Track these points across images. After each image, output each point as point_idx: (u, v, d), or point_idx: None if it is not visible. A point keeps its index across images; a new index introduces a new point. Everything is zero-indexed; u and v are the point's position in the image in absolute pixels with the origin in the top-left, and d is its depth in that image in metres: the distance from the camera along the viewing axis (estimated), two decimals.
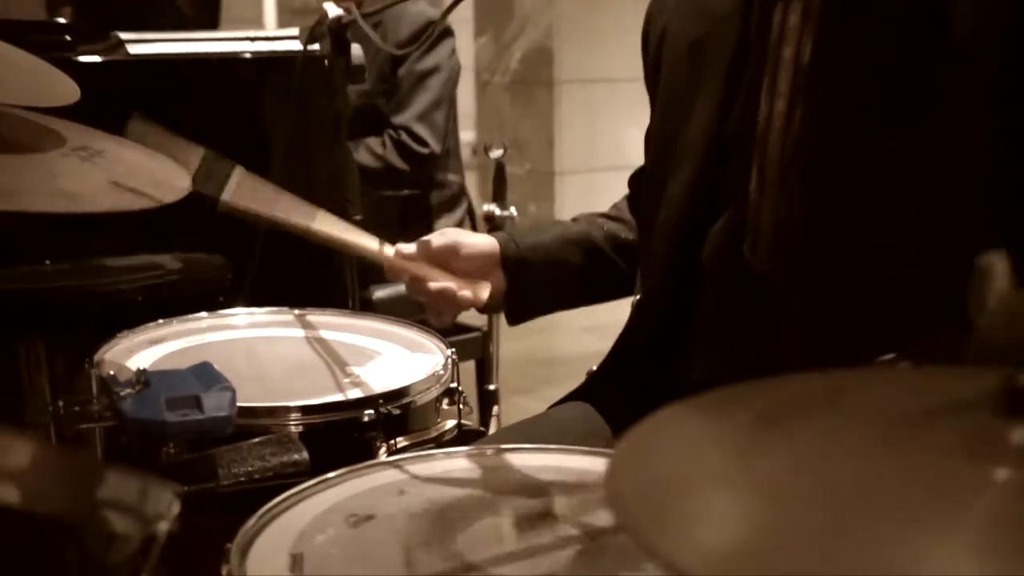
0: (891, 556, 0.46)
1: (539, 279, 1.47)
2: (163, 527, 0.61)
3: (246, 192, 1.33)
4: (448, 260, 1.40)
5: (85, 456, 0.68)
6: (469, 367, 2.84)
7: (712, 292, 1.31)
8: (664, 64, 1.42)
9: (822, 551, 0.48)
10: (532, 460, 1.08)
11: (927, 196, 1.14)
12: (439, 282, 1.37)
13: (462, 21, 7.02)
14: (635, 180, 1.56)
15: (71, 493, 0.59)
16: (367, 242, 1.42)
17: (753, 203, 1.25)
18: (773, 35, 1.25)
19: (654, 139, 1.45)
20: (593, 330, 3.28)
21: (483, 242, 1.45)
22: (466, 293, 1.37)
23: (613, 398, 1.41)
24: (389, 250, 1.40)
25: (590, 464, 1.07)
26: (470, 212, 3.15)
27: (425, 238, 1.41)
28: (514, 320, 1.54)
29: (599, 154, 5.74)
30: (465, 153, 3.53)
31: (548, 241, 1.50)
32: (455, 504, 0.96)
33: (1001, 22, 1.10)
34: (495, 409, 2.27)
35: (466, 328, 2.85)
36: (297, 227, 1.38)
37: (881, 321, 1.16)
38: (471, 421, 1.53)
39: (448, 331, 1.72)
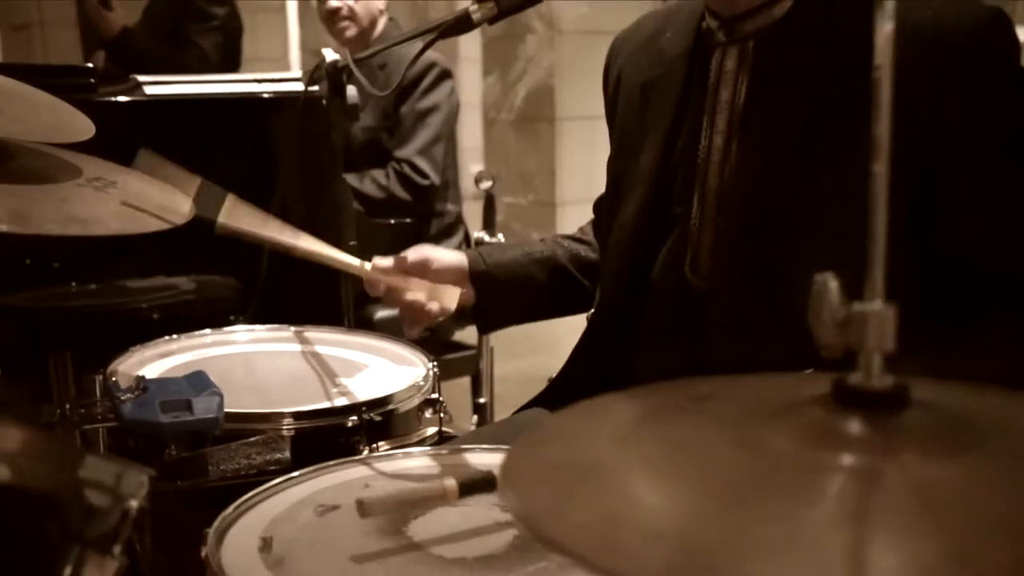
0: (759, 526, 0.51)
1: (505, 293, 1.50)
2: (134, 504, 0.66)
3: (238, 214, 1.37)
4: (421, 273, 1.42)
5: (67, 441, 0.72)
6: (465, 383, 2.89)
7: (658, 307, 1.35)
8: (620, 102, 1.47)
9: (695, 522, 0.53)
10: (484, 457, 1.13)
11: (845, 226, 1.18)
12: (411, 293, 1.40)
13: (471, 62, 7.09)
14: (598, 206, 1.60)
15: (55, 473, 0.64)
16: (347, 258, 1.44)
17: (694, 228, 1.30)
18: (712, 78, 1.31)
19: (611, 169, 1.50)
20: None
21: (453, 258, 1.48)
22: (434, 305, 1.39)
23: (570, 403, 1.45)
24: (367, 266, 1.42)
25: None
26: (467, 239, 3.17)
27: (401, 254, 1.44)
28: (483, 329, 1.58)
29: (597, 185, 5.73)
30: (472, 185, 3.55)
31: (514, 258, 1.53)
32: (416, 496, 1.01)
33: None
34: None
35: (461, 347, 2.89)
36: (283, 245, 1.41)
37: (801, 334, 1.20)
38: (452, 429, 1.56)
39: (443, 349, 1.78)
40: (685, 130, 1.33)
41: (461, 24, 1.20)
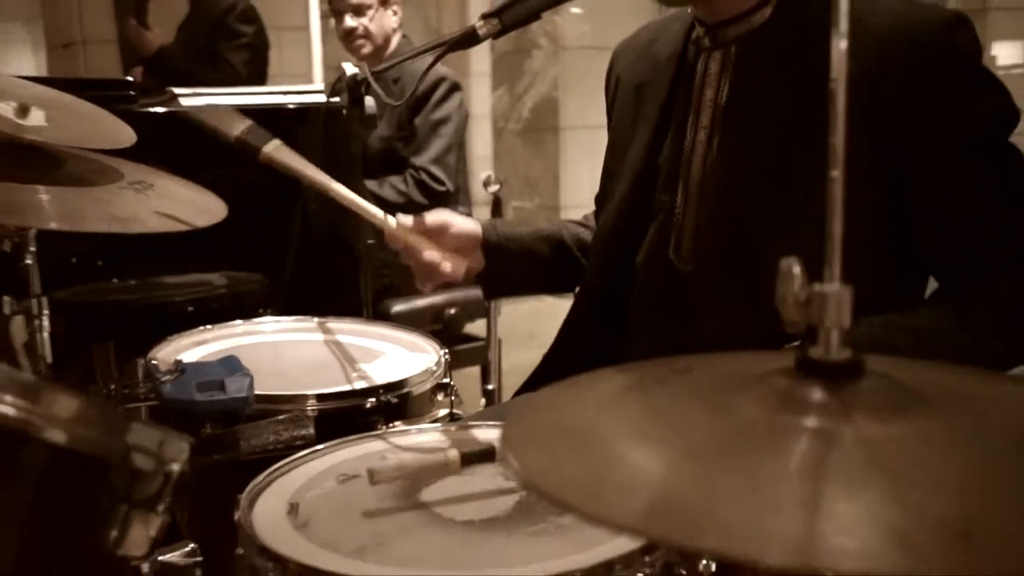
0: (727, 479, 0.54)
1: (512, 263, 1.51)
2: (176, 467, 0.70)
3: (282, 153, 1.38)
4: (438, 235, 1.42)
5: (115, 410, 0.75)
6: (475, 371, 2.91)
7: (644, 288, 1.38)
8: (616, 104, 1.51)
9: (671, 476, 0.56)
10: (488, 432, 1.15)
11: (815, 213, 1.19)
12: (427, 252, 1.39)
13: (481, 76, 7.11)
14: (600, 199, 1.62)
15: (105, 438, 0.67)
16: (373, 209, 1.44)
17: (678, 215, 1.33)
18: (697, 80, 1.34)
19: (606, 164, 1.52)
20: None
21: (469, 225, 1.48)
22: (447, 265, 1.39)
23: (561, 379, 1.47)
24: (391, 220, 1.41)
25: None
26: None
27: (421, 215, 1.43)
28: (488, 295, 1.58)
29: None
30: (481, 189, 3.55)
31: (523, 233, 1.55)
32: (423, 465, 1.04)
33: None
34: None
35: (471, 339, 2.92)
36: (319, 183, 1.40)
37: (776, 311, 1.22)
38: (462, 411, 1.58)
39: (455, 341, 1.79)
40: (672, 126, 1.36)
41: (468, 39, 1.23)
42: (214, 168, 1.59)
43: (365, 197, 1.86)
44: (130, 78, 4.03)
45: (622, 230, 1.39)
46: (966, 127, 1.15)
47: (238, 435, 1.15)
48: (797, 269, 0.60)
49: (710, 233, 1.28)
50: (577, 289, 1.53)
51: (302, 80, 6.89)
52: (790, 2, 1.25)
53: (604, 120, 1.59)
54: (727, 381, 0.63)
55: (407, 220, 1.42)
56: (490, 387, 2.43)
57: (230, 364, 1.14)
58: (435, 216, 1.43)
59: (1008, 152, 1.17)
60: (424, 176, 2.97)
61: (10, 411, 0.61)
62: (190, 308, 2.02)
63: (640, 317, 1.38)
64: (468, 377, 2.86)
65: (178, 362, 1.14)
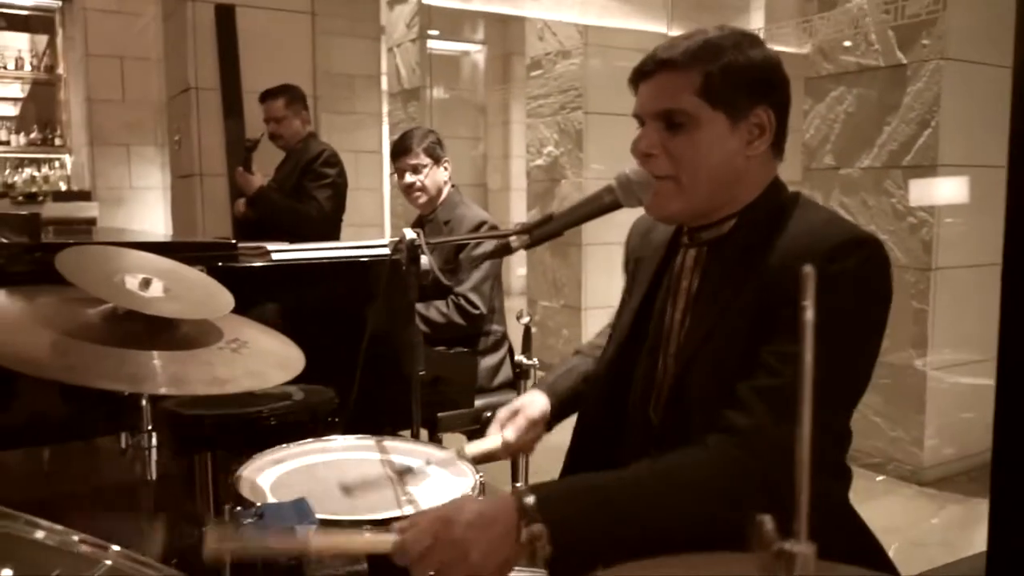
0: None
1: (565, 408, 1.59)
2: None
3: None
4: (530, 428, 1.54)
5: None
6: (504, 466, 2.86)
7: (629, 440, 1.40)
8: (628, 269, 1.56)
9: None
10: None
11: (733, 377, 1.19)
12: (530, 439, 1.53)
13: (519, 191, 7.27)
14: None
15: None
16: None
17: (658, 378, 1.34)
18: (676, 269, 1.36)
19: (616, 315, 1.56)
20: None
21: (541, 406, 1.57)
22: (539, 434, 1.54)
23: None
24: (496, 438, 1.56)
25: None
26: (510, 352, 3.22)
27: (513, 424, 1.55)
28: (547, 430, 1.63)
29: (614, 295, 5.80)
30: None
31: (571, 385, 1.62)
32: None
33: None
34: None
35: None
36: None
37: None
38: None
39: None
40: (657, 303, 1.40)
41: (503, 249, 1.27)
42: (296, 309, 1.60)
43: (417, 336, 1.89)
44: (234, 212, 4.17)
45: (612, 380, 1.43)
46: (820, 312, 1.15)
47: (302, 567, 1.14)
48: (770, 526, 0.59)
49: (677, 395, 1.30)
50: (575, 423, 1.55)
51: (372, 224, 7.23)
52: (748, 217, 1.28)
53: (617, 238, 1.66)
54: None
55: (509, 433, 1.53)
56: (519, 485, 2.39)
57: (300, 509, 1.13)
58: (520, 418, 1.54)
59: (835, 346, 1.09)
60: (462, 301, 3.02)
61: None
62: (272, 421, 2.01)
63: (627, 452, 1.38)
64: (498, 469, 2.82)
65: (259, 507, 1.13)
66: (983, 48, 3.87)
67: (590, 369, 1.61)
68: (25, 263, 1.98)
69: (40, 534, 0.73)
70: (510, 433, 1.51)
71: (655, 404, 1.35)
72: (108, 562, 0.69)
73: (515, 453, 1.54)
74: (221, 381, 1.24)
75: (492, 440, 1.55)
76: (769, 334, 1.16)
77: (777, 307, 1.15)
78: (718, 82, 1.22)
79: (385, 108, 7.76)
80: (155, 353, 1.24)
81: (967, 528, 3.41)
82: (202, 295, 1.44)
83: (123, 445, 1.39)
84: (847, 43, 4.15)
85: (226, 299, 1.44)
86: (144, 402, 1.40)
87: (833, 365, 1.11)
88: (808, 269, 0.55)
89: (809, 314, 0.57)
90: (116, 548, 0.73)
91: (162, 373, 1.20)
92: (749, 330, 1.18)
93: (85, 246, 1.46)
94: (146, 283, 1.35)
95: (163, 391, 1.16)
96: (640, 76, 1.29)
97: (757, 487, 1.07)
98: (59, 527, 0.74)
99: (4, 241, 2.22)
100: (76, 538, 0.75)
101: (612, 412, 1.41)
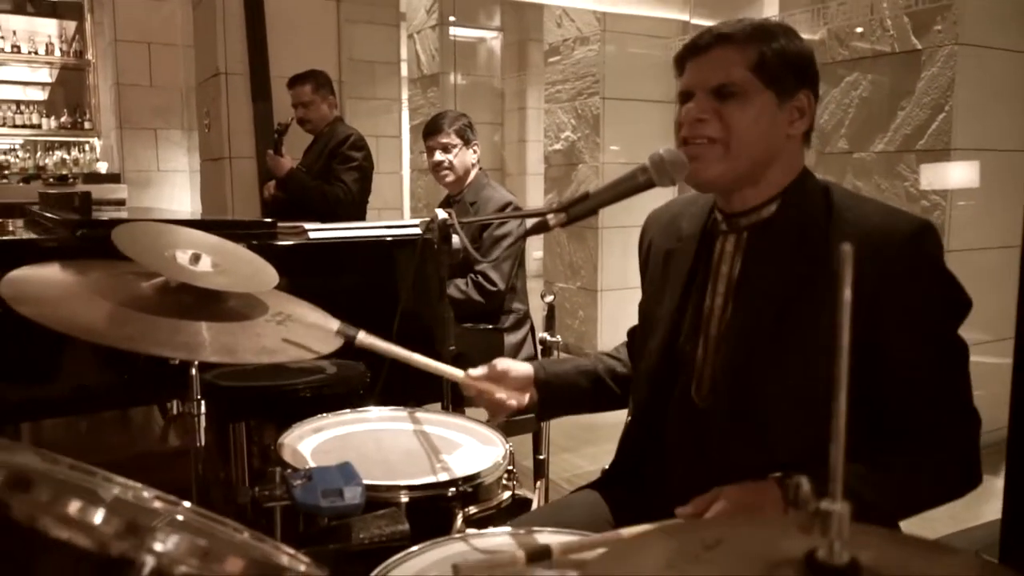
0: None
1: (557, 395, 1.55)
2: None
3: (369, 339, 1.45)
4: (501, 379, 1.49)
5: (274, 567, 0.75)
6: (527, 439, 2.90)
7: (675, 420, 1.39)
8: (649, 263, 1.52)
9: None
10: (548, 536, 1.15)
11: (806, 367, 1.20)
12: (496, 394, 1.47)
13: (536, 176, 7.26)
14: (631, 333, 1.63)
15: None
16: (450, 369, 1.51)
17: (699, 364, 1.34)
18: (715, 256, 1.35)
19: (640, 312, 1.53)
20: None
21: (524, 368, 1.53)
22: (512, 401, 1.48)
23: (614, 492, 1.48)
24: (462, 373, 1.51)
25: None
26: (532, 330, 3.23)
27: (486, 366, 1.51)
28: (541, 419, 1.63)
29: (630, 277, 5.81)
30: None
31: (566, 370, 1.58)
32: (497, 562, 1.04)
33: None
34: (538, 484, 2.32)
35: (524, 411, 2.92)
36: (403, 357, 1.47)
37: (776, 446, 1.23)
38: (523, 489, 1.59)
39: (512, 414, 1.79)
40: (694, 290, 1.38)
41: (540, 226, 1.28)
42: (334, 288, 1.61)
43: (448, 312, 1.90)
44: (265, 194, 4.18)
45: (657, 373, 1.41)
46: (928, 317, 1.19)
47: (349, 527, 1.17)
48: (806, 487, 0.61)
49: (723, 378, 1.30)
50: (627, 419, 1.55)
51: (393, 206, 7.31)
52: (792, 201, 1.28)
53: (633, 221, 1.63)
54: (748, 564, 0.64)
55: (477, 371, 1.49)
56: (541, 456, 2.42)
57: (347, 472, 1.16)
58: (498, 364, 1.50)
59: (954, 339, 1.22)
60: (481, 279, 3.03)
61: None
62: (307, 394, 2.05)
63: (674, 442, 1.39)
64: (521, 443, 2.85)
65: (308, 470, 1.16)
66: (997, 33, 3.83)
67: (591, 367, 1.60)
68: (78, 239, 2.01)
69: (116, 490, 0.75)
70: (476, 371, 1.50)
71: (696, 387, 1.35)
72: (180, 517, 0.72)
73: (492, 409, 1.51)
74: (269, 351, 1.26)
75: (476, 370, 1.53)
76: (886, 332, 1.17)
77: (878, 298, 1.16)
78: (771, 61, 1.23)
79: (405, 94, 7.76)
80: (205, 324, 1.26)
81: (976, 504, 3.41)
82: (249, 270, 1.47)
83: (174, 412, 1.42)
84: (859, 29, 4.11)
85: (271, 274, 1.47)
86: (193, 371, 1.43)
87: (955, 341, 1.22)
88: (847, 247, 0.57)
89: (847, 293, 0.58)
90: (187, 504, 0.76)
91: (212, 343, 1.22)
92: (819, 315, 1.18)
93: (137, 222, 1.49)
94: (196, 258, 1.38)
95: (214, 359, 1.19)
96: (694, 51, 1.29)
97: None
98: (134, 483, 0.77)
99: (57, 218, 2.27)
100: (148, 494, 0.78)
101: (660, 397, 1.41)
